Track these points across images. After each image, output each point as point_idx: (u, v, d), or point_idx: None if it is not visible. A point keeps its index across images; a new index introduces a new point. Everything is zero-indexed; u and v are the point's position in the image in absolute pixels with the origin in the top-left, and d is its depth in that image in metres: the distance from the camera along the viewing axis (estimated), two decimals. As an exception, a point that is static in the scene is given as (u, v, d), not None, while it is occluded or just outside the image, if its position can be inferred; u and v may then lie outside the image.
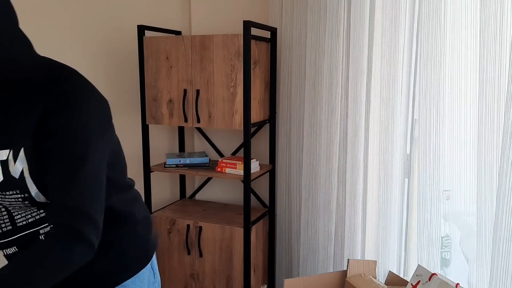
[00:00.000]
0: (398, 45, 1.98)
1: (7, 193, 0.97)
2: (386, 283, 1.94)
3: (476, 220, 1.84)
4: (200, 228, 2.31)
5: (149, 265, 1.22)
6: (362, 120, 2.09)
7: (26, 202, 0.98)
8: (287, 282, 1.89)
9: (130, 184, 1.21)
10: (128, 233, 1.16)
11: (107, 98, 3.14)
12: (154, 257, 1.27)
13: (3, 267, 0.88)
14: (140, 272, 1.18)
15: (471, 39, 1.83)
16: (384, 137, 2.05)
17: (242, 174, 2.18)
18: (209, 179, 2.70)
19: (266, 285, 2.18)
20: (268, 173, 2.48)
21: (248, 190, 2.17)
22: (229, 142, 2.62)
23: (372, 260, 1.96)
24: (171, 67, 2.24)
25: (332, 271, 2.24)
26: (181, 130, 2.67)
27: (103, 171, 0.99)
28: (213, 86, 2.17)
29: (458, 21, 1.86)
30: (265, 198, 2.58)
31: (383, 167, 2.07)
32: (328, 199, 2.20)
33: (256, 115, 2.24)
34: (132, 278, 1.16)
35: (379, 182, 2.09)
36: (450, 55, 1.89)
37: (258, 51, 2.21)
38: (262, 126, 2.50)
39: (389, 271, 1.97)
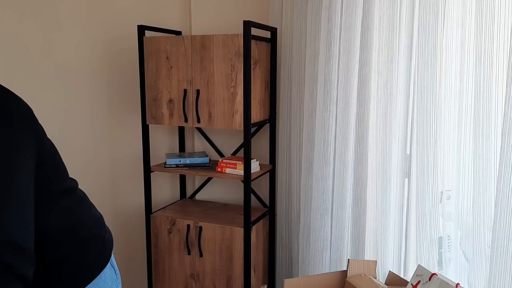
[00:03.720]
0: (396, 45, 1.98)
1: None
2: (386, 283, 1.94)
3: (473, 220, 1.85)
4: (200, 228, 2.31)
5: (108, 263, 1.20)
6: (361, 120, 2.09)
7: None
8: (287, 282, 1.89)
9: (73, 186, 1.17)
10: (80, 242, 1.13)
11: (107, 98, 3.16)
12: (112, 254, 1.25)
13: None
14: (101, 273, 1.17)
15: (467, 40, 1.83)
16: (384, 137, 2.05)
17: (242, 174, 2.18)
18: (209, 179, 2.70)
19: (266, 285, 2.18)
20: (268, 173, 2.48)
21: (248, 190, 2.17)
22: (229, 142, 2.62)
23: (372, 260, 1.96)
24: (171, 67, 2.24)
25: (332, 271, 2.24)
26: (181, 130, 2.67)
27: (26, 189, 0.90)
28: (213, 86, 2.17)
29: (454, 21, 1.86)
30: (265, 198, 2.58)
31: (382, 167, 2.07)
32: (328, 199, 2.20)
33: (256, 115, 2.24)
34: (94, 280, 1.15)
35: (378, 182, 2.09)
36: (445, 55, 1.89)
37: (258, 51, 2.21)
38: (262, 126, 2.50)
39: (389, 271, 1.97)
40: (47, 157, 1.05)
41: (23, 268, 0.85)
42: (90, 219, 1.18)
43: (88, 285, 1.14)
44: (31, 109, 1.00)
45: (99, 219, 1.23)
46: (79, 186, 2.98)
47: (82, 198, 1.19)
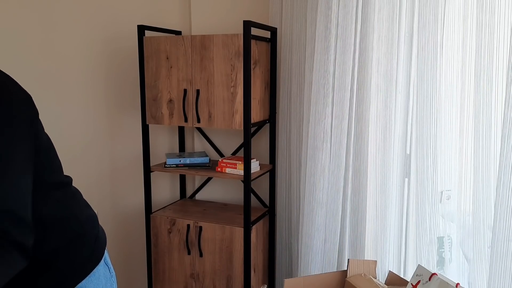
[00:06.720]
0: (396, 46, 1.98)
1: None
2: (386, 283, 1.94)
3: (473, 220, 1.84)
4: (200, 228, 2.31)
5: (102, 261, 1.20)
6: (361, 120, 2.09)
7: None
8: (287, 282, 1.89)
9: (67, 181, 1.17)
10: (72, 236, 1.13)
11: (107, 98, 3.16)
12: (106, 252, 1.25)
13: None
14: (94, 270, 1.17)
15: (469, 40, 1.83)
16: (383, 137, 2.05)
17: (242, 174, 2.18)
18: (209, 179, 2.70)
19: (266, 285, 2.18)
20: (268, 173, 2.48)
21: (248, 190, 2.17)
22: (229, 142, 2.62)
23: (372, 260, 1.96)
24: (171, 67, 2.24)
25: (332, 271, 2.24)
26: (181, 130, 2.67)
27: (26, 161, 0.92)
28: (213, 86, 2.17)
29: (455, 20, 1.86)
30: (265, 198, 2.58)
31: (382, 167, 2.07)
32: (328, 199, 2.20)
33: (256, 115, 2.24)
34: (87, 277, 1.15)
35: (378, 182, 2.09)
36: (446, 55, 1.89)
37: (258, 51, 2.21)
38: (262, 126, 2.50)
39: (389, 271, 1.97)
40: (43, 147, 1.05)
41: (21, 236, 0.86)
42: (83, 216, 1.18)
43: (82, 282, 1.14)
44: (30, 97, 1.00)
45: (92, 217, 1.23)
46: (79, 186, 2.98)
47: (75, 194, 1.20)
